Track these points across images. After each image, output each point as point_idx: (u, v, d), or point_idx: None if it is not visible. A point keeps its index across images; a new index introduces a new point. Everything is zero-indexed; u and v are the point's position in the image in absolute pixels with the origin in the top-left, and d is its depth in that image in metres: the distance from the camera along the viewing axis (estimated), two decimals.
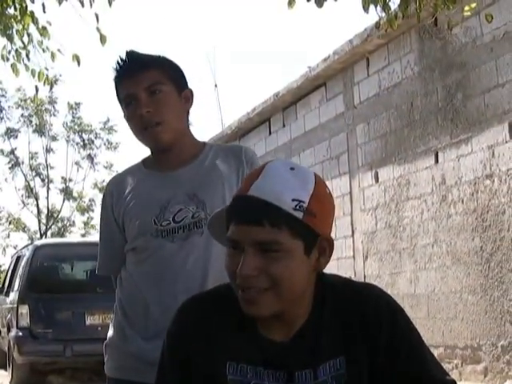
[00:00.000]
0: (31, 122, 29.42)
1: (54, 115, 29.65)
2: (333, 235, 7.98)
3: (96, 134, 29.62)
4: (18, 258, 13.52)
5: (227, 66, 50.85)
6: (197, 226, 2.51)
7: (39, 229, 30.59)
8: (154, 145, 2.63)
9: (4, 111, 29.34)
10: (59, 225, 30.69)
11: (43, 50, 7.39)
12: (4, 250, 31.27)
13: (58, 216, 30.82)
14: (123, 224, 2.62)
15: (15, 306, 11.45)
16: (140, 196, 2.62)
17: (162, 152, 2.63)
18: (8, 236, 31.09)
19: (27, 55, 7.33)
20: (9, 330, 11.89)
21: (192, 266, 2.50)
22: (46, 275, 12.03)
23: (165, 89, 2.58)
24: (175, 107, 2.61)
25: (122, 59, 2.62)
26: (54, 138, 30.02)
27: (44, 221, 30.45)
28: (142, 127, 2.57)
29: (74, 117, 29.82)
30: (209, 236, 2.20)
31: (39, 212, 30.46)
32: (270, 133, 14.29)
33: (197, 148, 2.69)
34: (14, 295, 12.07)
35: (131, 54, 2.63)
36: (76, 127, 29.70)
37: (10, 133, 29.34)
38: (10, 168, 30.10)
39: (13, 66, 7.37)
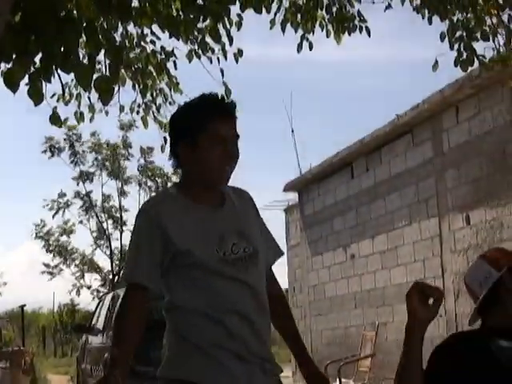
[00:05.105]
0: (105, 165, 30.27)
1: (129, 159, 30.55)
2: (421, 275, 8.63)
3: (168, 177, 30.36)
4: (113, 298, 14.02)
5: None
6: (251, 259, 3.03)
7: (112, 269, 31.29)
8: (220, 183, 3.08)
9: (78, 155, 30.22)
10: None
11: (170, 103, 7.96)
12: (78, 290, 31.98)
13: None
14: (176, 248, 2.91)
15: None
16: (198, 227, 2.98)
17: (211, 189, 3.08)
18: (82, 277, 31.81)
19: (157, 108, 7.90)
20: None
21: (254, 292, 3.01)
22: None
23: (238, 138, 3.12)
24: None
25: (223, 100, 3.09)
26: (126, 182, 30.83)
27: (117, 262, 31.16)
28: (221, 166, 3.00)
29: (146, 161, 30.66)
30: (259, 267, 3.02)
31: (112, 253, 31.19)
32: (352, 177, 14.81)
33: None
34: None
35: (228, 99, 3.16)
36: (148, 172, 30.48)
37: (86, 176, 30.21)
38: (84, 210, 30.96)
39: (143, 119, 7.93)
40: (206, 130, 2.98)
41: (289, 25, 7.22)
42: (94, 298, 30.82)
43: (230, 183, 3.20)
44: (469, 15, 7.05)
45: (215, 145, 2.98)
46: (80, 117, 7.27)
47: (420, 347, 2.66)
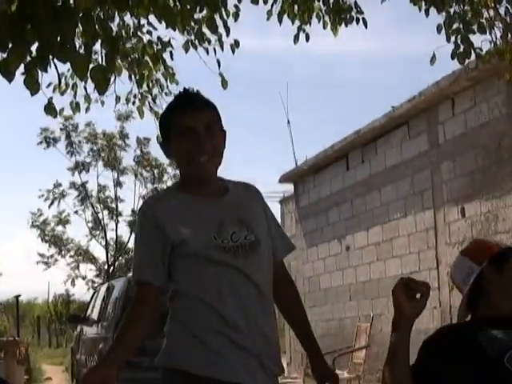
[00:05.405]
0: (100, 155, 30.29)
1: (125, 150, 30.56)
2: (416, 267, 8.62)
3: (163, 168, 30.39)
4: (108, 289, 13.98)
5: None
6: (251, 248, 3.03)
7: (107, 260, 31.32)
8: (200, 174, 3.09)
9: (75, 145, 30.23)
10: (127, 256, 31.37)
11: (166, 94, 7.95)
12: (73, 280, 32.02)
13: (125, 247, 31.60)
14: (173, 241, 2.96)
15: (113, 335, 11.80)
16: (196, 217, 3.02)
17: (203, 181, 3.10)
18: (77, 267, 31.84)
19: (153, 99, 7.88)
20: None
21: (253, 283, 3.00)
22: None
23: (217, 128, 3.12)
24: (221, 145, 3.14)
25: (186, 93, 3.14)
26: (122, 172, 30.86)
27: (112, 252, 31.19)
28: (194, 157, 3.03)
29: (142, 151, 30.66)
30: (260, 257, 3.01)
31: (107, 244, 31.22)
32: (347, 168, 14.81)
33: (218, 180, 3.20)
34: (109, 325, 12.41)
35: (194, 92, 3.14)
36: (145, 162, 30.51)
37: (81, 166, 30.22)
38: (79, 201, 30.99)
39: (139, 109, 7.92)
40: (173, 125, 3.06)
41: (286, 16, 7.21)
42: (89, 288, 30.93)
43: (231, 177, 3.25)
44: (466, 7, 7.05)
45: (182, 138, 3.04)
46: (76, 107, 7.26)
47: (407, 341, 2.69)
